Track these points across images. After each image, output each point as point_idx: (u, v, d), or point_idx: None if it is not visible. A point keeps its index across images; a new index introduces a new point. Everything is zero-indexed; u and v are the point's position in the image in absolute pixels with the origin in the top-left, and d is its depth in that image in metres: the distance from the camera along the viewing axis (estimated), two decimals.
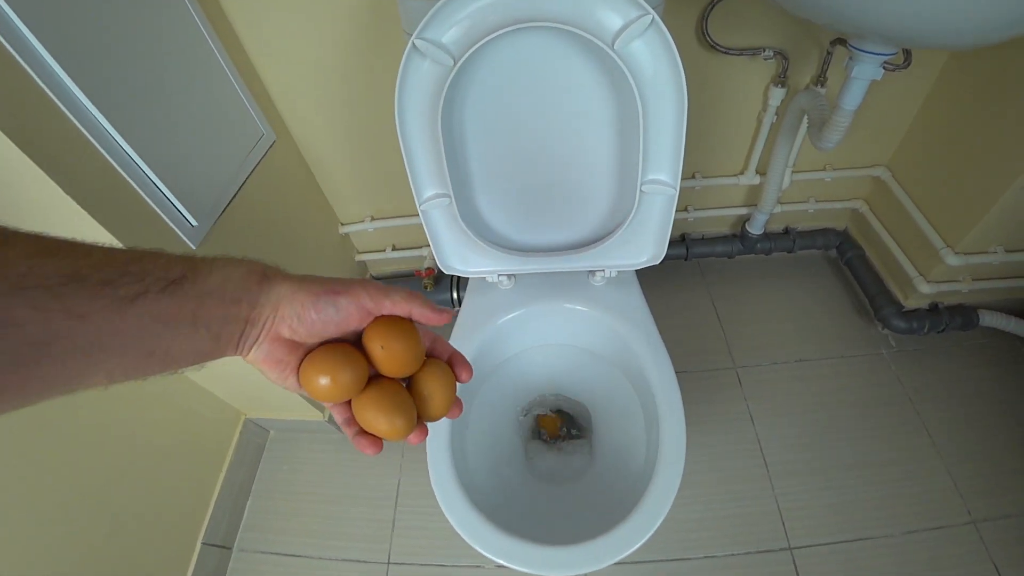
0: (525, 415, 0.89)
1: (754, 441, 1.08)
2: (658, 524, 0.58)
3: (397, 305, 0.32)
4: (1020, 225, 1.01)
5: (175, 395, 0.97)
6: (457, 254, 0.79)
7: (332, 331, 0.31)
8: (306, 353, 0.31)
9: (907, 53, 0.95)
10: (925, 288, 1.13)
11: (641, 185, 0.66)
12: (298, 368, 0.31)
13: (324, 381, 0.30)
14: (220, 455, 1.08)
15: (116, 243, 0.61)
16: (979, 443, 1.05)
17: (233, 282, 0.28)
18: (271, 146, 0.96)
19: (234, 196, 0.84)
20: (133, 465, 0.88)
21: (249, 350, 0.30)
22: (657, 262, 0.76)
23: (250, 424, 1.15)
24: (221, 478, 1.06)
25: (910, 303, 1.20)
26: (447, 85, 0.59)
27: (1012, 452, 1.03)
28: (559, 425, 0.88)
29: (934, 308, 1.19)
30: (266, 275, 0.30)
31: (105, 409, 0.84)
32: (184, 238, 0.73)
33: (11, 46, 0.51)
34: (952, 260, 1.06)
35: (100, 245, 0.24)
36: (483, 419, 0.80)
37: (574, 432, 0.88)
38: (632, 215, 0.69)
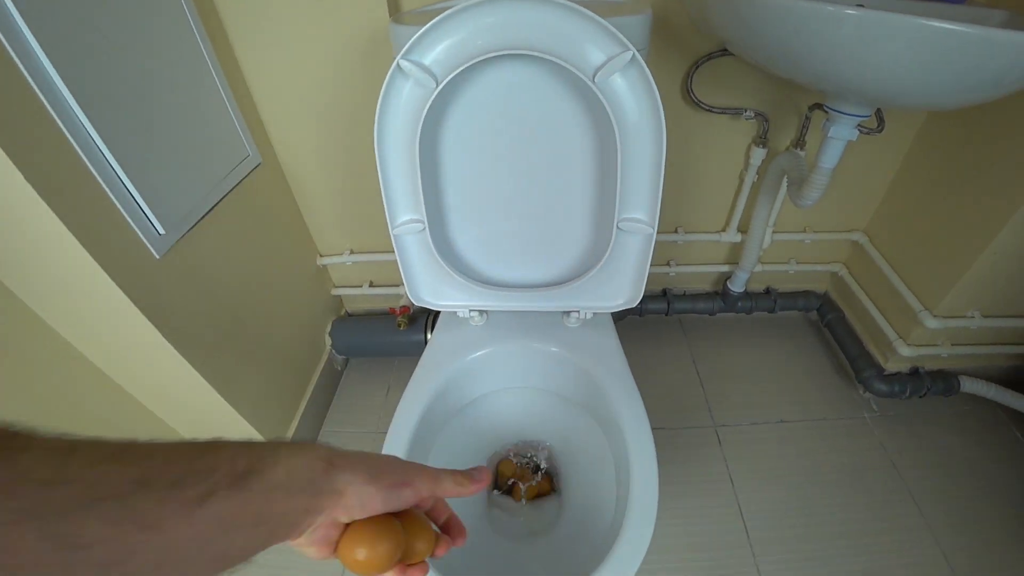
0: (490, 462, 0.83)
1: (734, 504, 1.03)
2: None
3: (448, 492, 0.34)
4: (996, 290, 1.03)
5: (113, 414, 0.88)
6: (428, 285, 0.76)
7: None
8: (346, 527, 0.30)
9: (880, 118, 0.98)
10: (905, 351, 1.12)
11: (618, 222, 0.65)
12: (338, 543, 0.30)
13: (362, 554, 0.29)
14: None
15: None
16: (967, 512, 1.01)
17: (298, 473, 0.27)
18: (255, 168, 0.95)
19: (209, 211, 0.82)
20: None
21: (303, 535, 0.29)
22: (633, 305, 0.74)
23: None
24: None
25: (891, 366, 1.19)
26: (427, 107, 0.58)
27: (1000, 524, 1.00)
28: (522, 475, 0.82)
29: (915, 372, 1.18)
30: (332, 463, 0.29)
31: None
32: (148, 245, 0.70)
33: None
34: (931, 323, 1.06)
35: (159, 441, 0.23)
36: (441, 463, 0.74)
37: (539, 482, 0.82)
38: (608, 253, 0.67)
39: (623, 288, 0.73)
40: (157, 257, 0.72)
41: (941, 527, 0.99)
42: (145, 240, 0.70)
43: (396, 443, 0.67)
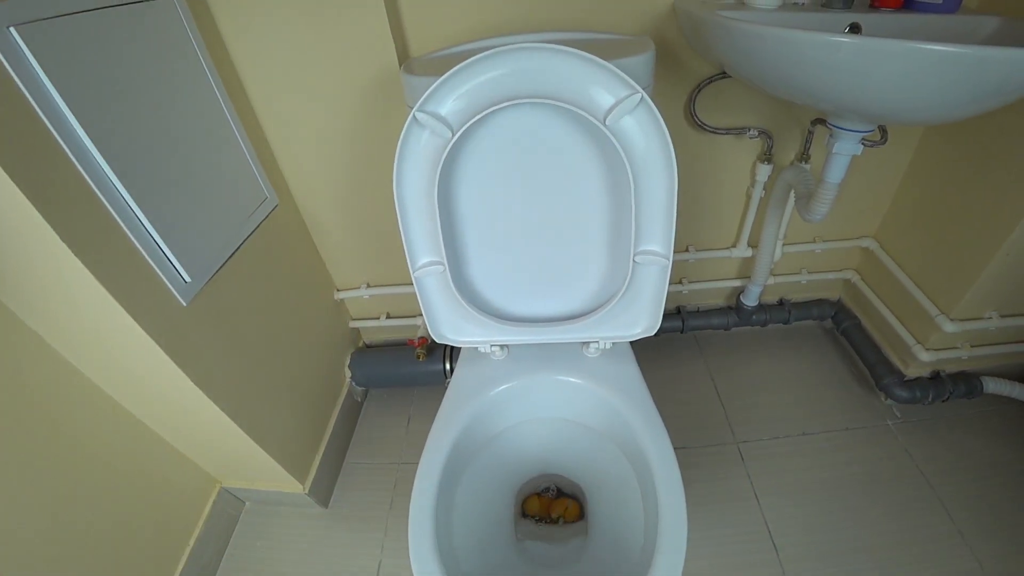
0: (518, 493, 0.84)
1: (760, 523, 1.02)
2: None
3: None
4: (1012, 289, 1.02)
5: (147, 458, 0.92)
6: (449, 323, 0.78)
7: None
8: None
9: (883, 131, 0.99)
10: (924, 356, 1.12)
11: (634, 256, 0.66)
12: None
13: None
14: (188, 527, 1.00)
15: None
16: (1001, 518, 0.99)
17: None
18: (273, 210, 0.97)
19: (231, 256, 0.85)
20: (91, 534, 0.81)
21: None
22: (652, 333, 0.75)
23: (225, 494, 1.09)
24: (187, 553, 0.98)
25: (911, 372, 1.18)
26: (444, 156, 0.60)
27: None
28: (549, 507, 0.83)
29: (936, 376, 1.17)
30: None
31: (67, 470, 0.78)
32: (176, 294, 0.73)
33: (26, 89, 0.53)
34: (949, 327, 1.05)
35: None
36: (471, 497, 0.75)
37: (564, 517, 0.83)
38: (625, 286, 0.69)
39: (641, 317, 0.74)
40: (184, 304, 0.74)
41: (974, 534, 0.97)
42: (173, 289, 0.72)
43: (427, 480, 0.68)
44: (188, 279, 0.74)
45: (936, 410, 1.19)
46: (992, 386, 1.13)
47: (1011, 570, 0.92)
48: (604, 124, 0.57)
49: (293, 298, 1.06)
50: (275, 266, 0.99)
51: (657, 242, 0.66)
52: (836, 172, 0.83)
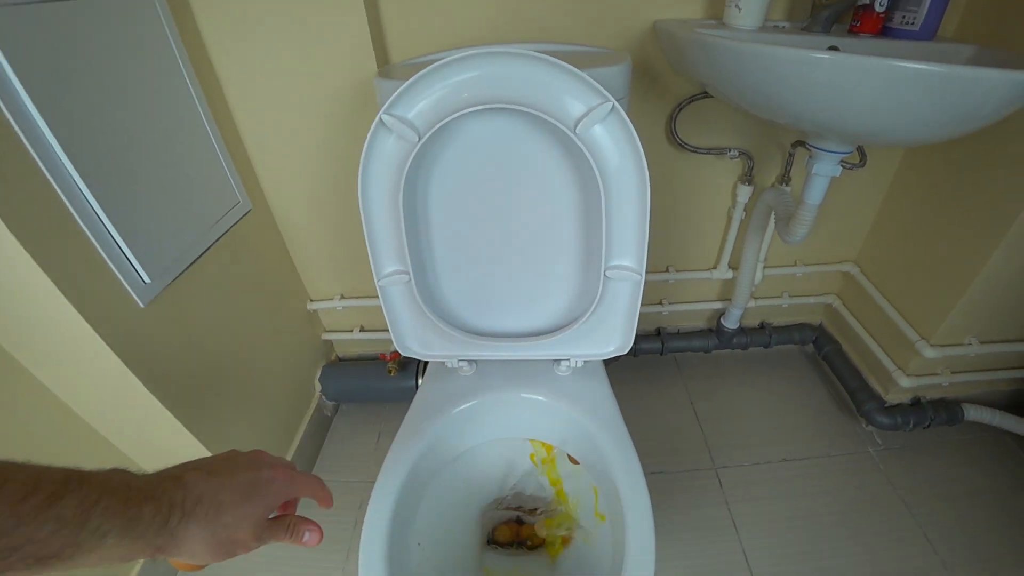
0: (483, 517, 0.80)
1: (739, 552, 0.99)
2: None
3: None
4: (991, 315, 1.02)
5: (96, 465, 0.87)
6: (415, 336, 0.75)
7: None
8: None
9: (862, 153, 1.00)
10: (905, 382, 1.11)
11: (605, 270, 0.64)
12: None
13: None
14: None
15: None
16: (984, 547, 0.97)
17: (140, 524, 0.34)
18: (245, 214, 0.95)
19: (197, 259, 0.81)
20: None
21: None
22: (625, 352, 0.72)
23: None
24: (136, 572, 0.93)
25: (891, 398, 1.17)
26: (410, 160, 0.58)
27: (1016, 555, 0.96)
28: (518, 533, 0.79)
29: (917, 403, 1.16)
30: (183, 509, 0.37)
31: None
32: (133, 294, 0.69)
33: None
34: (929, 353, 1.04)
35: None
36: (430, 521, 0.71)
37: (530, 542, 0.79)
38: (596, 301, 0.66)
39: (613, 335, 0.72)
40: (142, 306, 0.71)
41: (956, 564, 0.95)
42: (130, 289, 0.69)
43: (383, 499, 0.64)
44: (148, 280, 0.71)
45: (917, 437, 1.18)
46: (973, 413, 1.13)
47: None
48: (574, 133, 0.55)
49: (263, 306, 1.03)
50: (245, 272, 0.96)
51: (629, 257, 0.64)
52: (816, 193, 0.83)
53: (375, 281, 0.69)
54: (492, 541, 0.83)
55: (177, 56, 0.76)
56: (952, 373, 1.11)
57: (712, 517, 1.05)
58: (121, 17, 0.66)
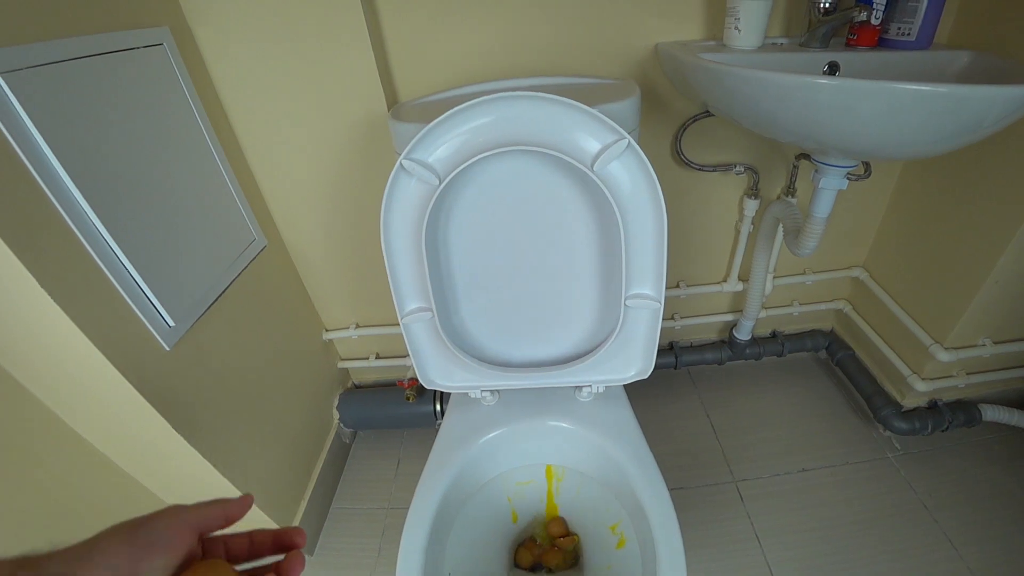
0: (509, 542, 0.81)
1: (763, 564, 0.99)
2: None
3: (216, 525, 0.34)
4: (1004, 315, 1.01)
5: (128, 508, 0.86)
6: (439, 368, 0.76)
7: None
8: None
9: (867, 165, 1.01)
10: (921, 386, 1.11)
11: (625, 300, 0.65)
12: None
13: None
14: None
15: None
16: (1008, 549, 0.97)
17: None
18: (261, 251, 0.96)
19: (217, 298, 0.83)
20: None
21: None
22: (645, 376, 0.73)
23: None
24: None
25: (908, 402, 1.17)
26: (432, 203, 0.60)
27: None
28: (542, 556, 0.80)
29: (934, 406, 1.16)
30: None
31: (42, 520, 0.73)
32: (158, 338, 0.70)
33: (10, 135, 0.52)
34: (943, 356, 1.04)
35: None
36: (460, 551, 0.72)
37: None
38: (617, 330, 0.68)
39: (634, 360, 0.73)
40: (167, 349, 0.72)
41: (981, 567, 0.95)
42: (155, 333, 0.70)
43: (416, 532, 0.65)
44: (172, 323, 0.72)
45: (936, 440, 1.17)
46: (991, 414, 1.12)
47: None
48: (591, 170, 0.57)
49: (280, 339, 1.04)
50: (263, 307, 0.98)
51: (648, 285, 0.65)
52: (823, 207, 0.84)
53: (399, 318, 0.70)
54: (516, 565, 0.84)
55: (190, 102, 0.78)
56: (968, 374, 1.11)
57: (734, 531, 1.05)
58: (135, 70, 0.68)
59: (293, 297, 1.10)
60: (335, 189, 0.98)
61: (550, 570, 0.85)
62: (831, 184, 0.80)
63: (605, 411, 0.77)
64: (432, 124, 0.56)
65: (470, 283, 0.71)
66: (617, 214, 0.59)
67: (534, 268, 0.70)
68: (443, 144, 0.58)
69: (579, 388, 0.79)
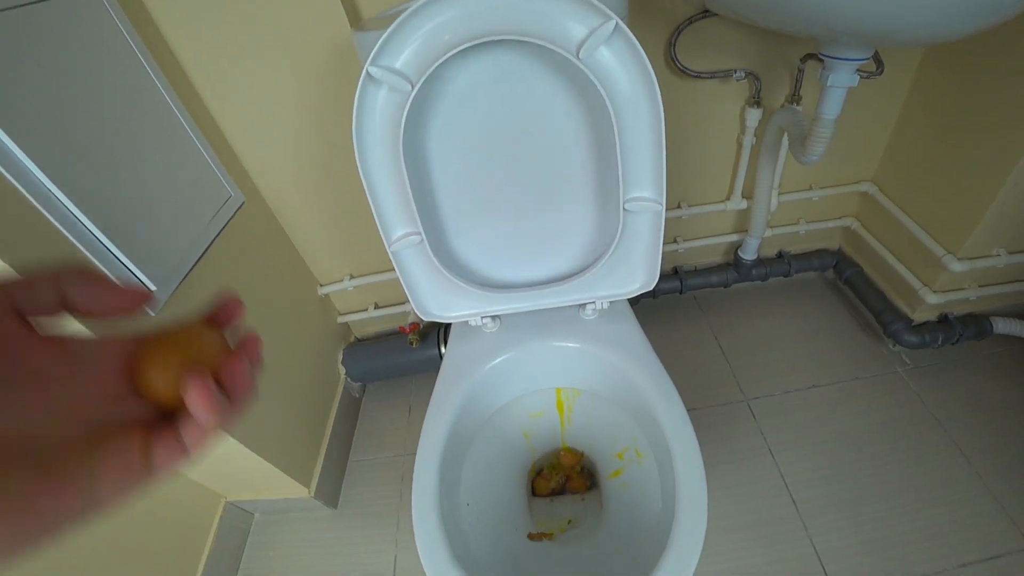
0: (525, 469, 0.80)
1: (777, 478, 0.99)
2: None
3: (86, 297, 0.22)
4: (1020, 224, 0.98)
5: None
6: (435, 298, 0.73)
7: None
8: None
9: (878, 61, 0.95)
10: (932, 299, 1.08)
11: (624, 204, 0.61)
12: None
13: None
14: (198, 545, 0.97)
15: None
16: (1016, 456, 0.98)
17: None
18: (239, 207, 0.92)
19: (198, 260, 0.79)
20: (96, 565, 0.78)
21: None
22: (650, 288, 0.70)
23: (232, 508, 1.05)
24: (200, 572, 0.95)
25: (918, 316, 1.15)
26: (406, 112, 0.55)
27: None
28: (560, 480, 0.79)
29: (944, 319, 1.14)
30: None
31: None
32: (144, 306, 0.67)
33: None
34: (956, 267, 1.01)
35: None
36: (476, 481, 0.71)
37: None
38: (618, 238, 0.64)
39: (637, 271, 0.70)
40: (154, 315, 0.69)
41: (991, 475, 0.96)
42: None
43: (426, 466, 0.63)
44: (153, 288, 0.69)
45: (945, 354, 1.17)
46: (1002, 326, 1.11)
47: None
48: (578, 58, 0.52)
49: (274, 298, 1.02)
50: (250, 266, 0.95)
51: (648, 187, 0.61)
52: (832, 107, 0.79)
53: (386, 247, 0.67)
54: (534, 493, 0.83)
55: (137, 54, 0.70)
56: (979, 286, 1.09)
57: (748, 447, 1.05)
58: (67, 22, 0.61)
59: (282, 254, 1.07)
60: (308, 133, 0.92)
61: (566, 493, 0.84)
62: (841, 81, 0.75)
63: (611, 327, 0.74)
64: (395, 24, 0.51)
65: (458, 202, 0.67)
66: (609, 108, 0.54)
67: (525, 179, 0.66)
68: (409, 46, 0.53)
69: (583, 307, 0.76)
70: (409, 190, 0.60)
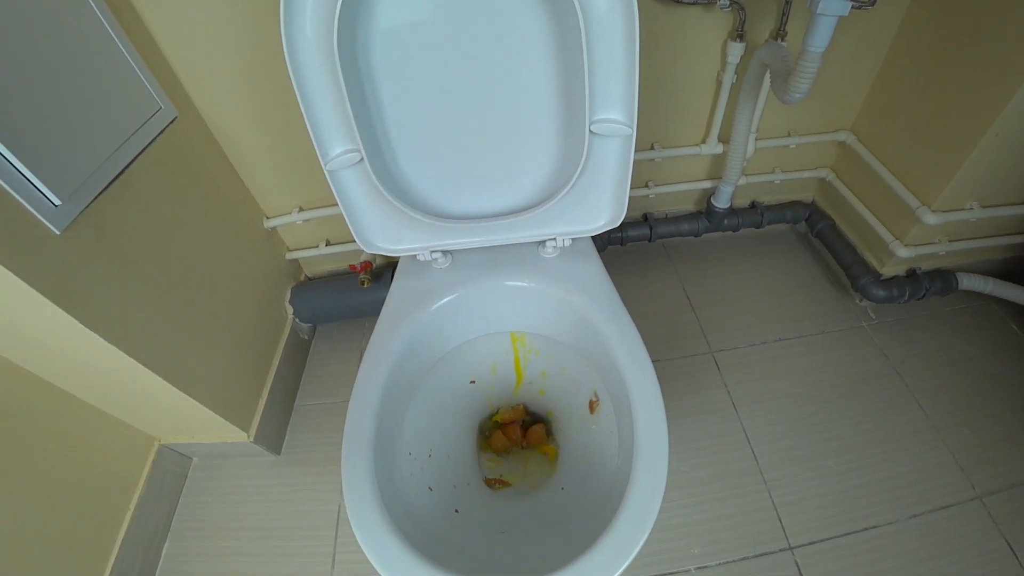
0: (475, 419, 0.75)
1: (739, 431, 0.98)
2: (643, 540, 0.46)
3: None
4: (995, 178, 0.96)
5: (57, 420, 0.80)
6: (378, 227, 0.65)
7: None
8: None
9: None
10: (903, 252, 1.06)
11: (590, 125, 0.55)
12: None
13: None
14: (127, 491, 0.90)
15: None
16: (974, 413, 1.00)
17: None
18: (171, 122, 0.82)
19: (119, 175, 0.71)
20: (9, 516, 0.71)
21: None
22: (616, 224, 0.64)
23: (166, 451, 0.99)
24: (128, 518, 0.89)
25: (887, 270, 1.14)
26: (339, 6, 0.46)
27: (1006, 418, 0.98)
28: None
29: (912, 274, 1.13)
30: None
31: None
32: (43, 220, 0.59)
33: None
34: (930, 219, 0.99)
35: None
36: (420, 430, 0.66)
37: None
38: (582, 164, 0.57)
39: (603, 205, 0.63)
40: (58, 232, 0.61)
41: (947, 428, 0.97)
42: (38, 214, 0.59)
43: (362, 413, 0.58)
44: (58, 202, 0.61)
45: (910, 309, 1.17)
46: (967, 282, 1.11)
47: (984, 460, 0.93)
48: None
49: (213, 227, 0.92)
50: (184, 190, 0.85)
51: (617, 108, 0.54)
52: (821, 38, 0.73)
53: (323, 166, 0.59)
54: (487, 444, 0.79)
55: None
56: (950, 241, 1.08)
57: (711, 400, 1.04)
58: None
59: (222, 179, 0.97)
60: (249, 41, 0.81)
61: (519, 446, 0.81)
62: (832, 8, 0.70)
63: (572, 267, 0.69)
64: None
65: (406, 120, 0.59)
66: (580, 19, 0.47)
67: (483, 97, 0.58)
68: None
69: (543, 244, 0.69)
70: (347, 99, 0.52)
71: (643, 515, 0.47)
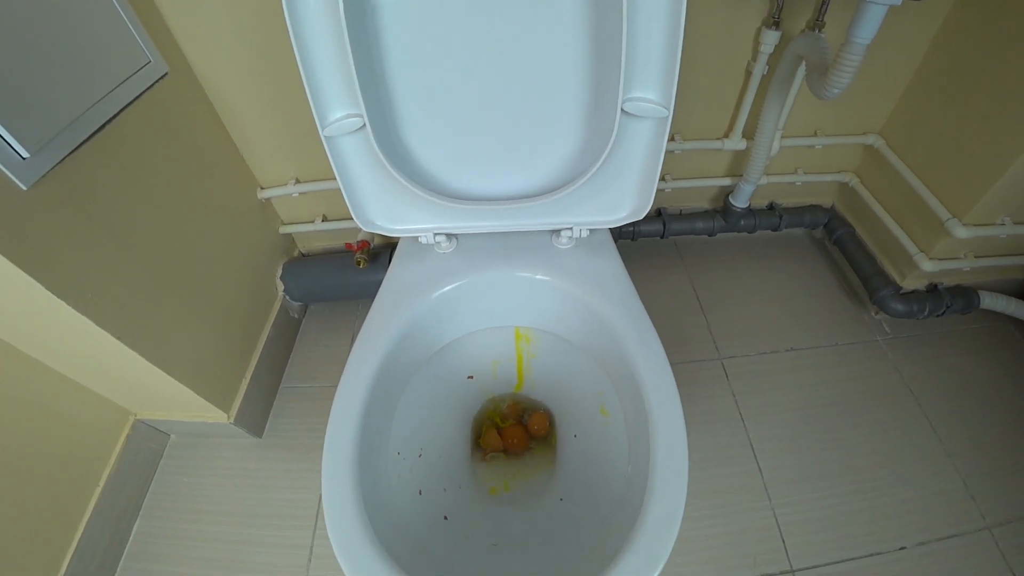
0: (470, 420, 0.70)
1: (746, 444, 0.94)
2: (660, 568, 0.41)
3: None
4: None
5: (33, 391, 0.76)
6: (378, 204, 0.60)
7: None
8: None
9: None
10: (927, 265, 1.01)
11: (622, 104, 0.49)
12: None
13: None
14: (97, 465, 0.86)
15: None
16: (987, 438, 0.95)
17: None
18: (161, 78, 0.76)
19: (98, 130, 0.65)
20: None
21: None
22: (640, 217, 0.59)
23: (142, 426, 0.94)
24: (98, 492, 0.84)
25: (908, 283, 1.08)
26: None
27: (1020, 444, 0.94)
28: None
29: (933, 289, 1.08)
30: None
31: None
32: (8, 173, 0.54)
33: None
34: (960, 232, 0.94)
35: None
36: (412, 427, 0.61)
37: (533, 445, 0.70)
38: (610, 146, 0.51)
39: (627, 194, 0.57)
40: (24, 188, 0.56)
41: (960, 453, 0.93)
42: (2, 166, 0.53)
43: (348, 404, 0.53)
44: (26, 154, 0.56)
45: (927, 326, 1.12)
46: (989, 301, 1.05)
47: (997, 489, 0.89)
48: None
49: (203, 194, 0.87)
50: (171, 152, 0.79)
51: (654, 86, 0.48)
52: (868, 28, 0.67)
53: (320, 131, 0.53)
54: (481, 447, 0.74)
55: None
56: (976, 257, 1.02)
57: (718, 409, 0.99)
58: None
59: (214, 143, 0.91)
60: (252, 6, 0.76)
61: (517, 450, 0.76)
62: None
63: (589, 261, 0.63)
64: None
65: (415, 85, 0.53)
66: None
67: (503, 65, 0.51)
68: None
69: (557, 233, 0.64)
70: (351, 58, 0.46)
71: (660, 542, 0.42)
